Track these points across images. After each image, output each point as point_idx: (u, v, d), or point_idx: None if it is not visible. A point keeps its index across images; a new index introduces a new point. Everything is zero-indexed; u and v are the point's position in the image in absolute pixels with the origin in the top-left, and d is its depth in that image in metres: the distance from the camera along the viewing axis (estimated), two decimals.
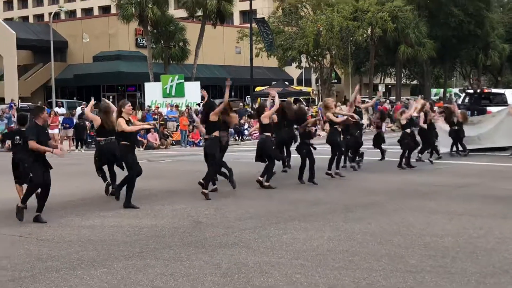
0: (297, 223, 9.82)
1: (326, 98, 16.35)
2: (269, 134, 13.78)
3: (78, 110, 31.70)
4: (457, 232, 9.03)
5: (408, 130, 16.94)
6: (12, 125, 30.89)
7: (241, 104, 41.97)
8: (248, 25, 42.02)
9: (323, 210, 10.95)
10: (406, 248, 8.13)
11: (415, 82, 66.15)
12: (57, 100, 44.94)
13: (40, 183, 10.22)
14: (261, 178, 13.62)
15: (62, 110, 32.98)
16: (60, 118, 29.68)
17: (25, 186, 10.96)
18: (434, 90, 64.26)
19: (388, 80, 65.40)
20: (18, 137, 11.56)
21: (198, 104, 34.62)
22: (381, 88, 49.41)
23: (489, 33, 53.82)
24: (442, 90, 62.77)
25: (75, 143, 29.43)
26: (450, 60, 57.48)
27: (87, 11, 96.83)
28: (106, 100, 13.92)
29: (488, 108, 21.64)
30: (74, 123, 29.37)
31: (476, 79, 33.01)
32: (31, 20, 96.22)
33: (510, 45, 57.54)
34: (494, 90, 27.67)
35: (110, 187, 12.87)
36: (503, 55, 56.19)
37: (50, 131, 28.63)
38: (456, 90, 74.74)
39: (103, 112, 12.89)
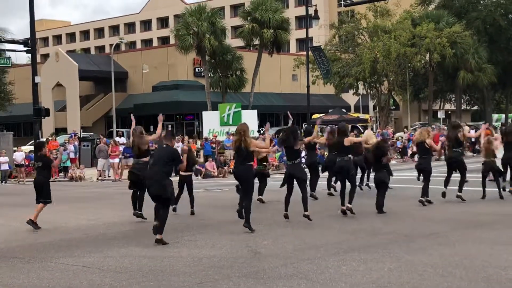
0: (356, 254, 9.66)
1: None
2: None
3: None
4: None
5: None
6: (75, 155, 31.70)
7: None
8: (305, 52, 42.16)
9: (383, 240, 10.78)
10: (469, 281, 7.92)
11: (475, 108, 64.92)
12: (117, 130, 45.87)
13: None
14: (349, 205, 13.54)
15: (122, 140, 33.62)
16: (121, 148, 30.25)
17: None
18: (495, 116, 62.88)
19: (447, 106, 64.39)
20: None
21: (258, 132, 34.80)
22: (441, 115, 48.59)
23: None
24: (503, 115, 61.35)
25: None
26: None
27: (147, 42, 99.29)
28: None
29: None
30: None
31: None
32: (92, 51, 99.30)
33: None
34: None
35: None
36: None
37: (111, 161, 29.39)
38: None
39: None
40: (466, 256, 9.34)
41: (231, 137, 33.26)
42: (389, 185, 14.77)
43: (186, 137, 34.11)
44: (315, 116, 47.57)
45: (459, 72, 47.00)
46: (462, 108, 58.03)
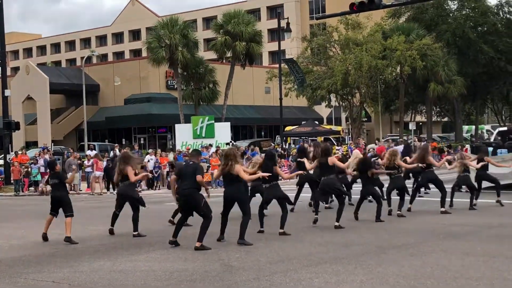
0: (328, 265, 9.67)
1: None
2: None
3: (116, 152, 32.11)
4: (492, 275, 8.82)
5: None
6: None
7: (271, 144, 42.01)
8: (277, 65, 42.34)
9: (355, 252, 10.82)
10: None
11: (446, 119, 65.65)
12: (89, 143, 45.50)
13: None
14: (337, 223, 13.74)
15: (93, 153, 33.34)
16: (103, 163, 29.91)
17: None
18: (465, 127, 63.70)
19: (418, 118, 65.00)
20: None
21: (228, 144, 34.84)
22: (412, 126, 49.09)
23: None
24: (474, 127, 62.18)
25: (106, 185, 29.67)
26: (481, 97, 57.02)
27: (118, 55, 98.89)
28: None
29: None
30: (104, 165, 29.62)
31: (507, 125, 32.64)
32: (63, 64, 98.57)
33: None
34: None
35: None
36: None
37: (97, 173, 29.09)
38: (488, 126, 74.06)
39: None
40: (437, 267, 9.38)
41: (205, 150, 33.31)
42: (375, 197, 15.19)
43: (159, 150, 33.90)
44: (288, 128, 47.78)
45: (430, 84, 47.47)
46: (433, 119, 58.61)
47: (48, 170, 17.65)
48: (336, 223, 13.73)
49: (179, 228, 12.20)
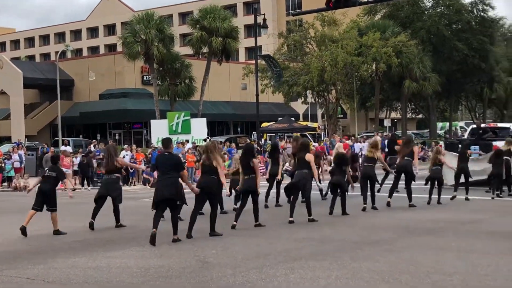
0: (304, 261, 9.68)
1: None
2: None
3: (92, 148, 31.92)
4: (466, 270, 8.94)
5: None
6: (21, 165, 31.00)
7: (248, 140, 41.99)
8: (254, 61, 42.31)
9: (331, 248, 10.86)
10: (414, 287, 8.04)
11: (420, 116, 66.22)
12: (63, 138, 45.10)
13: None
14: (310, 217, 14.02)
15: (68, 149, 33.08)
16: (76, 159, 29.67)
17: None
18: (440, 124, 64.29)
19: (393, 115, 65.50)
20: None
21: (204, 140, 34.78)
22: (387, 123, 49.46)
23: (493, 67, 54.11)
24: (448, 123, 62.79)
25: (80, 181, 29.43)
26: (455, 94, 57.64)
27: (93, 50, 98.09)
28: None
29: (494, 143, 21.35)
30: (79, 161, 29.41)
31: (478, 120, 33.12)
32: (37, 59, 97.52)
33: None
34: (500, 125, 27.68)
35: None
36: (508, 88, 56.44)
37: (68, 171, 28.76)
38: (462, 123, 74.85)
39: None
40: (412, 262, 9.45)
41: (181, 146, 33.16)
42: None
43: (134, 146, 33.73)
44: (264, 124, 47.77)
45: (405, 81, 47.86)
46: (408, 116, 59.11)
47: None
48: (309, 217, 14.00)
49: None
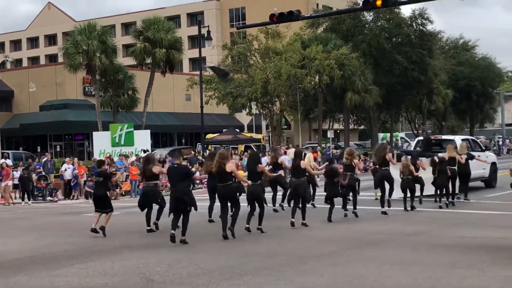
0: (250, 277, 9.66)
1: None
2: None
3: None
4: (408, 283, 9.03)
5: None
6: None
7: (192, 152, 41.80)
8: (198, 72, 42.22)
9: (277, 263, 10.84)
10: None
11: (362, 127, 67.25)
12: (2, 151, 43.94)
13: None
14: (304, 221, 15.11)
15: (9, 162, 32.21)
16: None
17: None
18: (381, 135, 65.42)
19: (336, 126, 66.33)
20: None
21: (144, 151, 34.52)
22: (330, 134, 50.02)
23: (432, 79, 55.37)
24: (388, 134, 63.94)
25: (20, 195, 28.65)
26: (396, 105, 58.73)
27: (34, 60, 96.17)
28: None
29: (440, 155, 21.60)
30: (19, 175, 28.66)
31: (421, 127, 33.71)
32: None
33: (453, 90, 59.33)
34: (444, 137, 28.17)
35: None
36: (446, 100, 57.84)
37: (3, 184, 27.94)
38: (402, 134, 76.45)
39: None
40: (356, 276, 9.55)
41: (124, 159, 32.77)
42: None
43: (75, 159, 33.08)
44: (209, 136, 47.67)
45: (347, 93, 48.51)
46: (350, 127, 59.90)
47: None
48: (303, 221, 15.13)
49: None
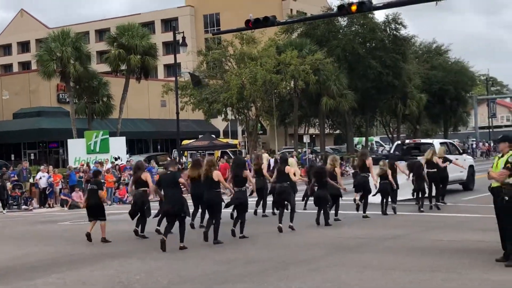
0: (231, 285, 9.58)
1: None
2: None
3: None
4: (389, 287, 9.03)
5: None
6: None
7: (168, 158, 41.59)
8: (173, 78, 42.05)
9: (259, 269, 10.75)
10: None
11: (338, 131, 67.54)
12: None
13: None
14: (291, 224, 15.05)
15: None
16: None
17: None
18: (356, 139, 65.78)
19: (312, 130, 66.51)
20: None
21: (115, 158, 34.29)
22: (306, 139, 50.17)
23: (406, 83, 55.83)
24: (364, 139, 64.30)
25: None
26: (371, 110, 59.09)
27: (7, 68, 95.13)
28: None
29: (419, 158, 21.43)
30: None
31: (401, 139, 34.00)
32: None
33: (427, 94, 59.85)
34: (423, 140, 28.18)
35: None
36: (420, 104, 58.29)
37: None
38: (377, 138, 76.97)
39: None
40: (337, 282, 9.48)
41: (100, 166, 32.42)
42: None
43: (50, 167, 32.68)
44: (185, 142, 47.51)
45: (322, 98, 48.71)
46: (326, 132, 60.13)
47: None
48: (290, 223, 15.08)
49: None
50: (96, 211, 14.66)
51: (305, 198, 20.11)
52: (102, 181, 20.48)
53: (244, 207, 14.23)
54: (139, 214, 15.07)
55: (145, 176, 15.16)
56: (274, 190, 15.92)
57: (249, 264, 11.30)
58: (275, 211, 17.74)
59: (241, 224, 14.25)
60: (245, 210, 14.29)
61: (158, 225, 15.10)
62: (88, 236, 14.47)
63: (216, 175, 13.61)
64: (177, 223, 13.09)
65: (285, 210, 15.52)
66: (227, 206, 14.22)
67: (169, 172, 13.84)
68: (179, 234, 13.08)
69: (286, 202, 15.38)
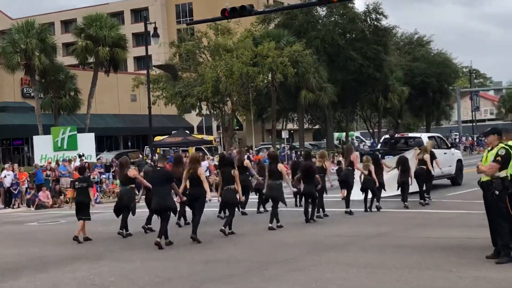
0: (210, 285, 9.21)
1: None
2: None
3: None
4: (375, 285, 8.78)
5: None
6: None
7: (140, 155, 39.63)
8: (144, 71, 40.07)
9: (240, 269, 10.24)
10: None
11: (317, 126, 65.99)
12: None
13: None
14: (270, 224, 14.51)
15: None
16: None
17: None
18: (336, 134, 64.24)
19: (290, 126, 64.96)
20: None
21: (79, 156, 32.65)
22: (285, 134, 48.45)
23: (388, 76, 54.58)
24: (344, 133, 62.86)
25: None
26: (351, 104, 57.80)
27: None
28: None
29: (406, 152, 21.08)
30: None
31: (389, 133, 33.52)
32: None
33: (409, 87, 58.52)
34: (411, 134, 28.30)
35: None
36: (402, 97, 57.05)
37: None
38: (357, 133, 75.49)
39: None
40: (321, 281, 9.13)
41: (67, 164, 30.43)
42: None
43: (15, 165, 30.54)
44: (157, 138, 45.44)
45: (301, 91, 47.21)
46: (305, 127, 58.64)
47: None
48: (278, 223, 14.71)
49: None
50: (84, 210, 14.28)
51: (297, 196, 19.21)
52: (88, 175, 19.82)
53: (231, 206, 14.02)
54: (124, 212, 14.61)
55: (132, 173, 14.88)
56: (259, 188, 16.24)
57: (230, 265, 10.68)
58: (261, 209, 18.09)
59: (228, 221, 13.94)
60: (232, 210, 14.04)
61: (147, 223, 14.88)
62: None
63: (200, 172, 13.37)
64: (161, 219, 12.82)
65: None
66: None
67: (158, 168, 13.56)
68: (159, 229, 12.63)
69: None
